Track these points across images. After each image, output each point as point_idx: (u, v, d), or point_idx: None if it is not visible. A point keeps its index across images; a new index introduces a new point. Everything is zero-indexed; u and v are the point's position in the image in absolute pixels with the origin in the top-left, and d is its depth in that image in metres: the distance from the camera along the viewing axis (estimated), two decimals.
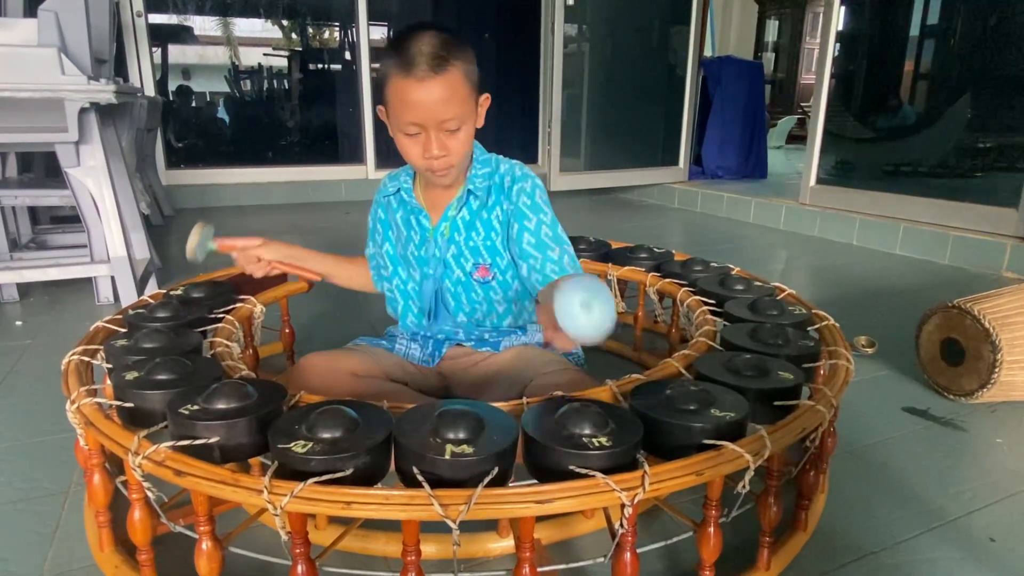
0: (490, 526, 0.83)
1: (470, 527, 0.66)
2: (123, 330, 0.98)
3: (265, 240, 1.05)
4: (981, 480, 1.02)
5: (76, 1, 1.58)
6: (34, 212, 2.28)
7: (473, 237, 1.03)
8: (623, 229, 3.14)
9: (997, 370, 1.18)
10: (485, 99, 0.97)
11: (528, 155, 4.40)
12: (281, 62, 4.73)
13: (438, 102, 0.87)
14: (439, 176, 0.96)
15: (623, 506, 0.59)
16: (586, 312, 0.65)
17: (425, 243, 1.06)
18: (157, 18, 3.78)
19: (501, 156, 1.07)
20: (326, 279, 1.14)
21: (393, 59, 0.87)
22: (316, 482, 0.58)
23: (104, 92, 1.56)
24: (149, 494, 0.69)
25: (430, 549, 0.77)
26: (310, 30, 4.85)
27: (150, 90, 3.47)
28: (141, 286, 1.77)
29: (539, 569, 0.63)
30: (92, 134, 1.65)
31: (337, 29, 4.74)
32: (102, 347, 0.90)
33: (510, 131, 4.38)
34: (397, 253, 1.10)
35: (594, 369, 1.06)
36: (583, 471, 0.60)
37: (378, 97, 0.94)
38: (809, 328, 1.01)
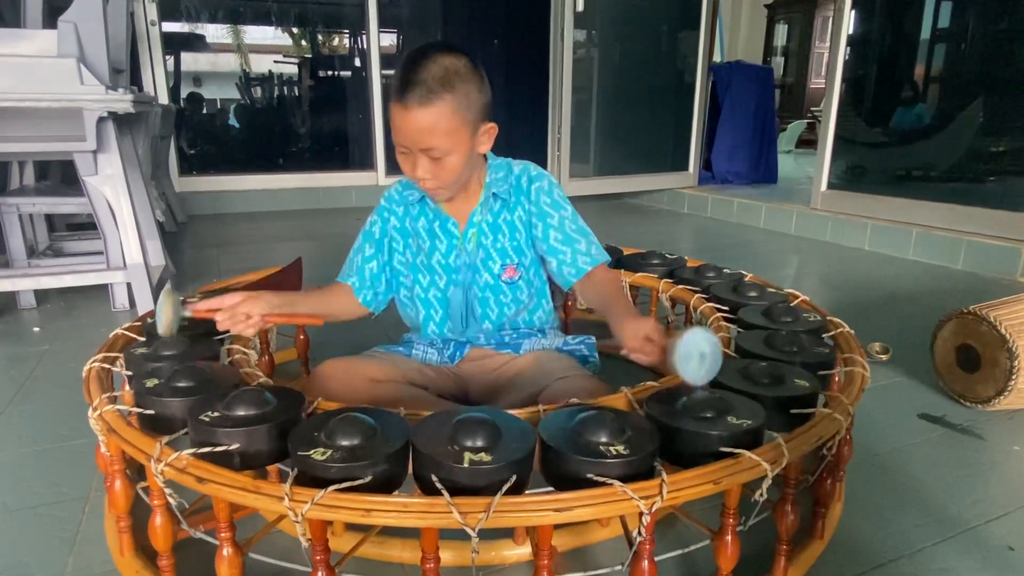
0: (506, 533, 0.84)
1: (487, 534, 0.67)
2: (142, 338, 0.99)
3: (249, 293, 0.92)
4: (999, 488, 1.01)
5: (95, 12, 1.60)
6: (50, 219, 2.31)
7: (500, 239, 1.05)
8: (633, 235, 3.14)
9: (1014, 377, 1.17)
10: (490, 128, 0.97)
11: (537, 160, 4.35)
12: (292, 69, 4.78)
13: (420, 131, 0.90)
14: (430, 194, 1.00)
15: (641, 514, 0.59)
16: (701, 362, 0.74)
17: (453, 251, 1.06)
18: (170, 26, 3.83)
19: (511, 159, 1.08)
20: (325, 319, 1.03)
21: (396, 79, 0.90)
22: (336, 489, 0.58)
23: (122, 102, 1.58)
24: (170, 500, 0.70)
25: (446, 556, 0.78)
26: (320, 37, 4.89)
27: (164, 98, 3.50)
28: (156, 293, 1.79)
29: None
30: (110, 143, 1.67)
31: (347, 36, 4.78)
32: (122, 354, 0.91)
33: (519, 136, 4.39)
34: (417, 262, 1.09)
35: (608, 375, 1.06)
36: (601, 479, 0.60)
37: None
38: (824, 335, 1.01)
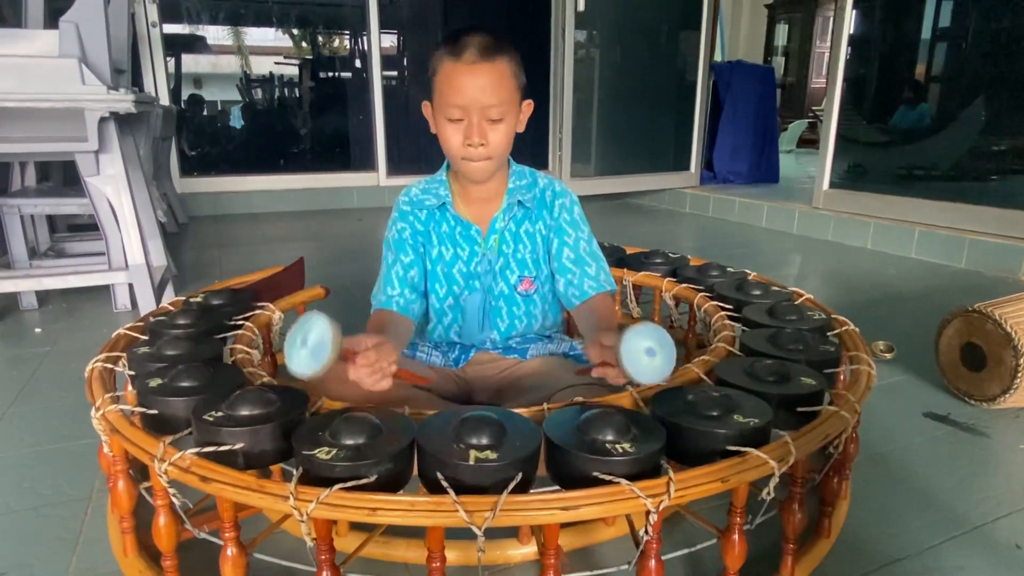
0: (511, 532, 0.83)
1: (492, 534, 0.66)
2: (145, 337, 0.98)
3: (381, 342, 0.77)
4: (1005, 486, 1.00)
5: (96, 12, 1.60)
6: (52, 220, 2.31)
7: (520, 249, 1.04)
8: (635, 234, 3.13)
9: (1019, 375, 1.17)
10: (528, 105, 0.99)
11: (538, 161, 4.40)
12: (292, 70, 4.78)
13: (484, 87, 0.91)
14: (474, 168, 0.96)
15: (648, 513, 0.59)
16: (650, 358, 0.70)
17: (475, 257, 1.04)
18: (171, 28, 3.83)
19: (536, 170, 1.08)
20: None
21: (445, 49, 0.92)
22: (341, 488, 0.58)
23: (123, 102, 1.58)
24: (174, 500, 0.70)
25: (451, 555, 0.77)
26: (321, 38, 4.89)
27: (165, 99, 3.51)
28: (158, 293, 1.78)
29: None
30: (111, 143, 1.67)
31: (348, 37, 4.77)
32: (124, 354, 0.91)
33: (520, 137, 4.38)
34: (436, 269, 1.05)
35: None
36: (607, 478, 0.60)
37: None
38: (828, 333, 1.01)
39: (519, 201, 1.03)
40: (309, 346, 0.68)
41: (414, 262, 1.04)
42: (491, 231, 1.03)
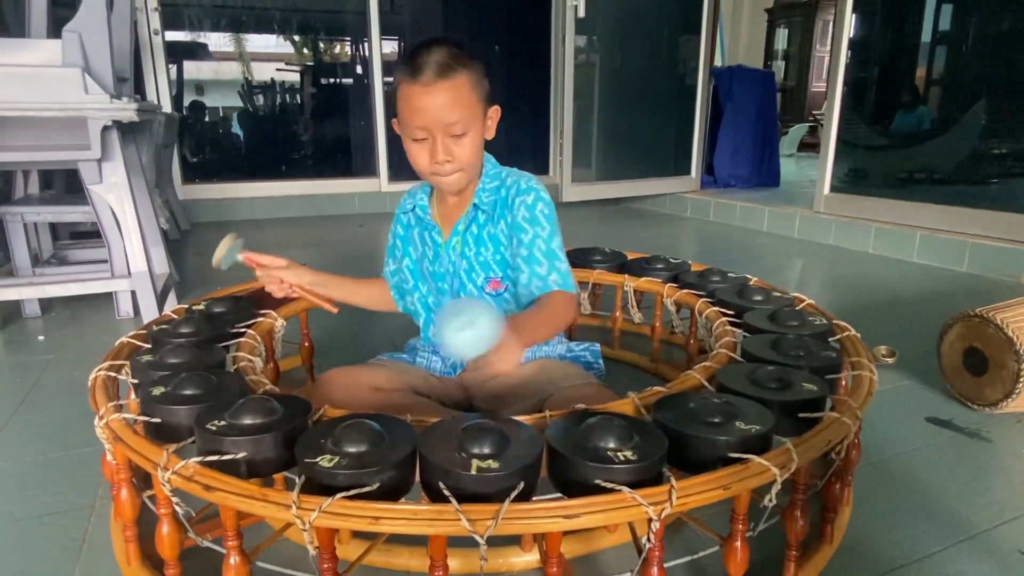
0: (513, 540, 0.83)
1: (494, 541, 0.66)
2: (148, 345, 0.99)
3: (291, 263, 1.06)
4: (1008, 492, 1.00)
5: (99, 22, 1.61)
6: (55, 228, 2.31)
7: (483, 252, 1.04)
8: (636, 239, 3.14)
9: (1022, 380, 1.17)
10: (495, 111, 0.99)
11: (539, 166, 4.41)
12: (294, 77, 4.79)
13: (442, 106, 0.91)
14: (446, 182, 0.98)
15: (650, 520, 0.59)
16: (463, 331, 0.69)
17: (439, 258, 1.07)
18: (173, 35, 3.85)
19: (513, 169, 1.07)
20: (346, 304, 1.15)
21: (403, 69, 0.92)
22: (344, 497, 0.58)
23: (126, 110, 1.59)
24: (177, 509, 0.70)
25: (453, 564, 0.77)
26: (322, 45, 4.90)
27: (167, 106, 3.52)
28: (161, 300, 1.79)
29: None
30: (114, 151, 1.68)
31: (349, 44, 4.79)
32: (127, 362, 0.91)
33: (521, 142, 4.40)
34: (418, 268, 1.12)
35: (612, 381, 1.06)
36: (609, 485, 0.60)
37: (391, 109, 0.97)
38: (830, 338, 1.01)
39: (475, 205, 1.03)
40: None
41: (397, 270, 1.16)
42: (453, 233, 1.05)
